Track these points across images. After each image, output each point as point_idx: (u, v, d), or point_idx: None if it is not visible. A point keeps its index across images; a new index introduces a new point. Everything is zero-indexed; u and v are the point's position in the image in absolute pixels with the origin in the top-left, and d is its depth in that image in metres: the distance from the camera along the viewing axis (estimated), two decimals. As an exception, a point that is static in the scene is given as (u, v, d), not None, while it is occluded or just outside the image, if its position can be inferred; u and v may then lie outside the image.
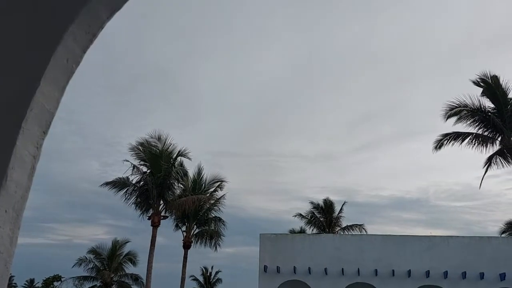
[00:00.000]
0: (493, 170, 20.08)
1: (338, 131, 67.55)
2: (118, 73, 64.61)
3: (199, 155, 72.46)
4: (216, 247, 27.55)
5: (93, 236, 68.28)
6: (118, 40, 55.95)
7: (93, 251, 32.95)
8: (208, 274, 42.23)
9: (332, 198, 36.37)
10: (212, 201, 27.56)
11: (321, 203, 35.51)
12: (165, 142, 25.00)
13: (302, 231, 36.23)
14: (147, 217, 24.52)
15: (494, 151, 19.79)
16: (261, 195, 69.11)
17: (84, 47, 1.98)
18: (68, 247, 60.08)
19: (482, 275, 21.16)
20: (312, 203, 35.64)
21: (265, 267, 23.13)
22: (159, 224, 24.25)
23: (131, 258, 33.66)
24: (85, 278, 32.35)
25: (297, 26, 58.88)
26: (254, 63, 62.99)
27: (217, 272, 42.56)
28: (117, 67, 64.25)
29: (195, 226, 27.53)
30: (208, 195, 27.34)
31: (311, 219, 35.47)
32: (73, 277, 32.52)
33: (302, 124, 69.62)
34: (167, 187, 24.50)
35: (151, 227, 24.04)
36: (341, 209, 35.28)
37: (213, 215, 28.06)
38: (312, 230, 35.42)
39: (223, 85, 66.15)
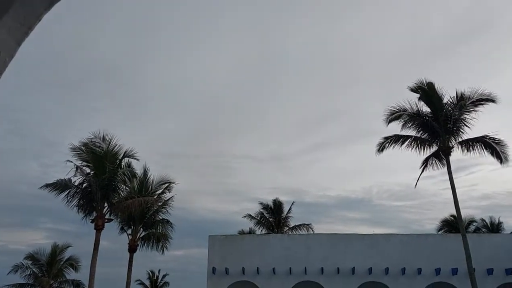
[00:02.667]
0: (430, 171, 21.31)
1: (288, 132, 68.71)
2: (62, 70, 61.49)
3: (148, 156, 70.75)
4: (163, 250, 27.07)
5: (32, 241, 64.60)
6: (63, 35, 53.42)
7: (30, 256, 31.49)
8: (155, 277, 41.28)
9: (282, 198, 36.89)
10: (159, 203, 27.01)
11: (270, 203, 35.98)
12: (110, 143, 24.08)
13: (251, 232, 36.44)
14: (90, 220, 23.53)
15: (431, 153, 21.02)
16: (212, 196, 68.68)
17: (19, 40, 1.87)
18: (3, 253, 56.15)
19: (419, 271, 22.41)
20: (261, 203, 36.03)
21: (214, 269, 23.00)
22: (103, 227, 23.33)
23: (73, 263, 32.39)
24: (21, 285, 31.04)
25: (248, 26, 59.33)
26: (205, 63, 62.52)
27: (164, 276, 41.72)
28: (61, 63, 61.19)
29: (141, 229, 26.85)
30: (155, 197, 26.75)
31: (261, 220, 35.80)
32: (7, 285, 30.92)
33: (253, 125, 70.18)
34: (112, 189, 23.66)
35: (95, 231, 23.10)
36: (289, 209, 35.95)
37: (161, 217, 27.53)
38: (261, 230, 35.77)
39: (173, 84, 65.09)
